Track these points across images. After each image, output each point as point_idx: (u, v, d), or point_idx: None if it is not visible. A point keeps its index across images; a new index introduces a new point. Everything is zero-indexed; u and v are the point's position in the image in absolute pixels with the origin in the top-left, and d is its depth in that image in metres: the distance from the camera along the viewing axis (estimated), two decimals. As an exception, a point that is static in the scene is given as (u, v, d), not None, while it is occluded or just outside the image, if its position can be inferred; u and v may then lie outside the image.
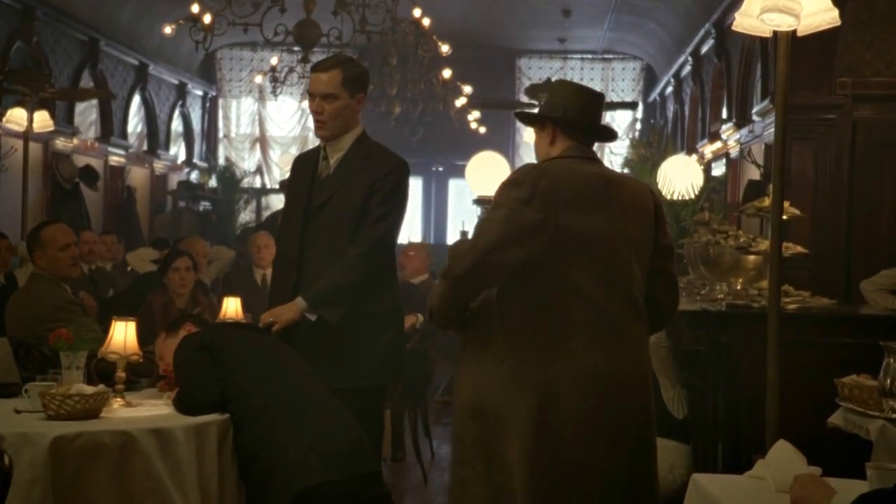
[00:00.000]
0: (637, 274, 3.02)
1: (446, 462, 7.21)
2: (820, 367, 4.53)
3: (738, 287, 5.35)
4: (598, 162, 3.13)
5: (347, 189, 3.73)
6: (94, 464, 3.05)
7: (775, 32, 3.71)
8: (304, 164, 3.85)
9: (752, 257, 5.16)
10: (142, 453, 3.11)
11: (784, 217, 4.92)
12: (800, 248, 4.93)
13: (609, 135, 3.20)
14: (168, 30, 7.04)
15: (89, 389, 3.33)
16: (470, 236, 3.05)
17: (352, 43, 7.36)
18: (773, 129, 7.36)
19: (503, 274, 2.91)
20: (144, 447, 3.12)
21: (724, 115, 9.43)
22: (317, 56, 11.89)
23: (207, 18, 6.77)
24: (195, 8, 6.63)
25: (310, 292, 3.59)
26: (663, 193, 8.62)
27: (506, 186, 2.96)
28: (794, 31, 3.71)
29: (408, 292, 6.54)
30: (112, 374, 3.61)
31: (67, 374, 3.46)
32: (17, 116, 8.20)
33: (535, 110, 3.28)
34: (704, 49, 10.41)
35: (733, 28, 3.83)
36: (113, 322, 3.58)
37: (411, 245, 8.49)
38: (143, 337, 5.52)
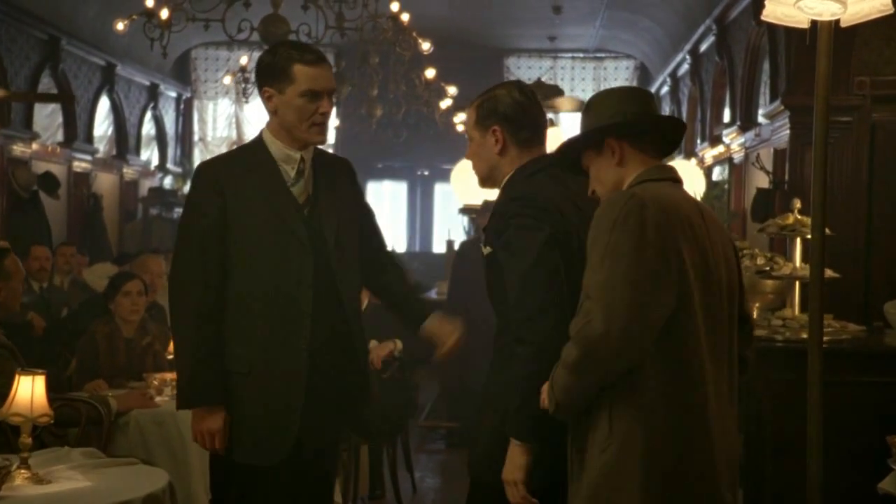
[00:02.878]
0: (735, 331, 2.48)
1: (429, 498, 6.61)
2: (859, 411, 3.97)
3: (754, 314, 4.77)
4: (682, 184, 2.51)
5: (343, 212, 3.14)
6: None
7: (814, 22, 3.12)
8: (252, 177, 3.03)
9: (770, 280, 4.59)
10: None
11: (810, 236, 4.34)
12: (830, 273, 4.33)
13: (676, 138, 2.55)
14: (121, 26, 6.42)
15: (-18, 462, 2.71)
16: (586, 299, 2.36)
17: (324, 40, 6.73)
18: (783, 133, 6.80)
19: (650, 344, 2.31)
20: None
21: (727, 117, 8.85)
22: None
23: (164, 14, 6.14)
24: (150, 1, 6.00)
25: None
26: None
27: (605, 227, 2.32)
28: (836, 22, 3.13)
29: (384, 316, 5.92)
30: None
31: (-41, 441, 2.84)
32: (-43, 121, 7.55)
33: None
34: (704, 47, 9.84)
35: (763, 18, 3.24)
36: (17, 376, 2.95)
37: None
38: (85, 373, 4.95)
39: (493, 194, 3.04)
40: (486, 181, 2.99)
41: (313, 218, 3.08)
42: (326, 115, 3.04)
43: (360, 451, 5.76)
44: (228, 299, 2.98)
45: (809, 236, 4.17)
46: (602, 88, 15.13)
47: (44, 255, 7.17)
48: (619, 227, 2.29)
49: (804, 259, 4.31)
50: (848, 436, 3.79)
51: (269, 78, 3.02)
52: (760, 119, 7.59)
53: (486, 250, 2.85)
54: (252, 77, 8.57)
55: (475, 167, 2.94)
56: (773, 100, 6.99)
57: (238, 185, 3.01)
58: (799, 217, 4.30)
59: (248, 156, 3.09)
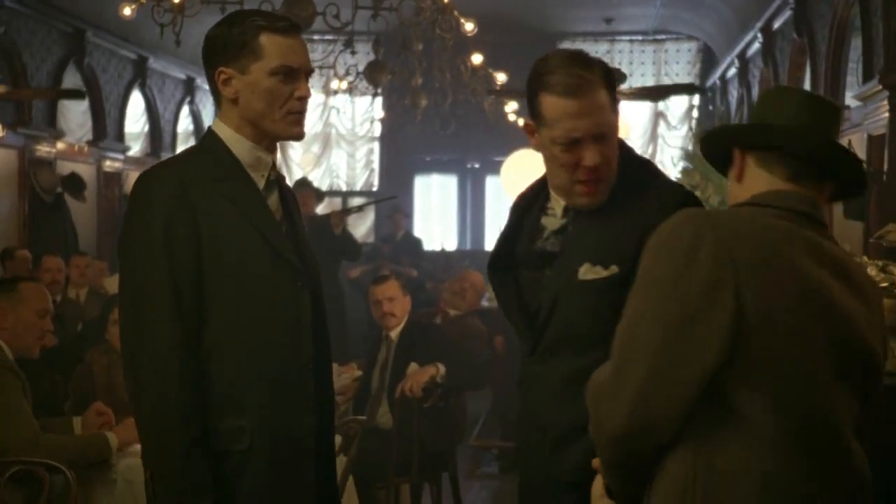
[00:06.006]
0: (849, 415, 1.77)
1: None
2: None
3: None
4: (820, 227, 1.79)
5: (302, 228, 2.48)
6: None
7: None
8: (223, 187, 2.28)
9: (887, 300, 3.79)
10: None
11: (943, 246, 3.53)
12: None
13: (858, 180, 1.87)
14: (128, 11, 5.77)
15: None
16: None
17: (357, 26, 6.03)
18: (880, 117, 5.92)
19: (684, 410, 1.68)
20: None
21: (808, 100, 7.96)
22: (318, 45, 10.57)
23: (177, -4, 5.48)
24: (159, -17, 5.36)
25: None
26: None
27: (652, 253, 1.73)
28: None
29: (425, 335, 5.21)
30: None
31: None
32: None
33: None
34: (778, 23, 8.96)
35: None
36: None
37: (474, 274, 7.15)
38: (81, 412, 4.29)
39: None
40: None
41: (296, 243, 2.37)
42: (304, 102, 2.30)
43: (399, 490, 5.07)
44: (206, 353, 2.24)
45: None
46: (662, 73, 14.25)
47: (56, 266, 6.58)
48: (665, 253, 1.70)
49: (934, 273, 3.51)
50: None
51: (224, 55, 2.28)
52: (850, 101, 6.73)
53: (609, 271, 2.15)
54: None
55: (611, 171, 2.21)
56: (867, 80, 6.14)
57: (210, 199, 2.25)
58: (928, 222, 3.49)
59: (209, 159, 2.31)
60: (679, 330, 1.64)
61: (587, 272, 2.16)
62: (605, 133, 2.17)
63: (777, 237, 1.72)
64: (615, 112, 2.22)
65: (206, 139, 2.36)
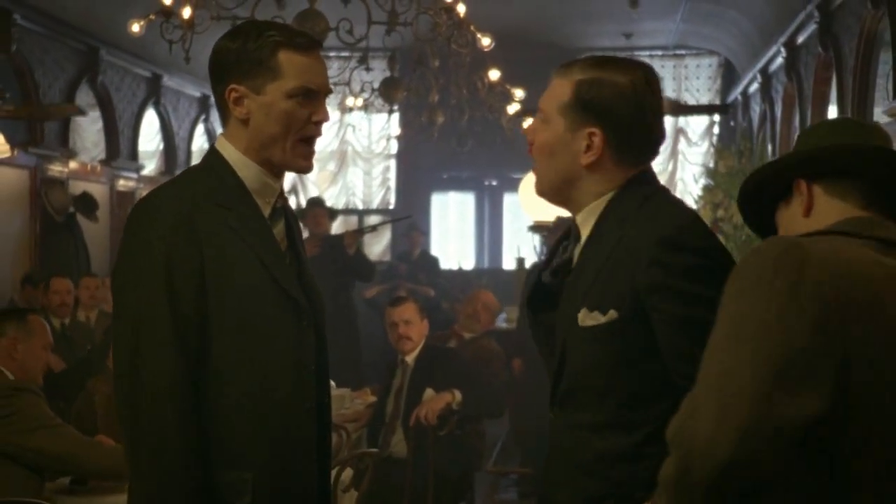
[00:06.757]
0: None
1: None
2: None
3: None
4: None
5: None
6: None
7: None
8: (228, 216, 2.09)
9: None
10: None
11: None
12: None
13: None
14: (136, 27, 5.64)
15: None
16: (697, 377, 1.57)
17: (372, 42, 5.89)
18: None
19: (781, 458, 1.48)
20: None
21: (834, 115, 7.78)
22: (333, 62, 10.46)
23: (186, 12, 5.35)
24: (168, -1, 5.23)
25: None
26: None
27: (741, 288, 1.54)
28: None
29: (441, 359, 5.04)
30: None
31: None
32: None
33: None
34: (802, 38, 8.77)
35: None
36: None
37: (485, 294, 7.03)
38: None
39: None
40: (554, 192, 2.12)
41: (300, 274, 2.19)
42: (320, 127, 2.14)
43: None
44: (204, 396, 2.05)
45: None
46: (682, 88, 14.09)
47: (64, 288, 6.46)
48: (762, 289, 1.50)
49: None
50: None
51: (236, 71, 2.10)
52: (878, 117, 6.54)
53: (607, 317, 1.92)
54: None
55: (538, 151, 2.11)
56: (897, 95, 5.96)
57: (215, 229, 2.07)
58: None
59: (214, 183, 2.12)
60: (784, 378, 1.46)
61: (585, 318, 1.94)
62: (542, 108, 2.06)
63: (868, 272, 1.55)
64: (574, 118, 2.01)
65: (211, 159, 2.18)
